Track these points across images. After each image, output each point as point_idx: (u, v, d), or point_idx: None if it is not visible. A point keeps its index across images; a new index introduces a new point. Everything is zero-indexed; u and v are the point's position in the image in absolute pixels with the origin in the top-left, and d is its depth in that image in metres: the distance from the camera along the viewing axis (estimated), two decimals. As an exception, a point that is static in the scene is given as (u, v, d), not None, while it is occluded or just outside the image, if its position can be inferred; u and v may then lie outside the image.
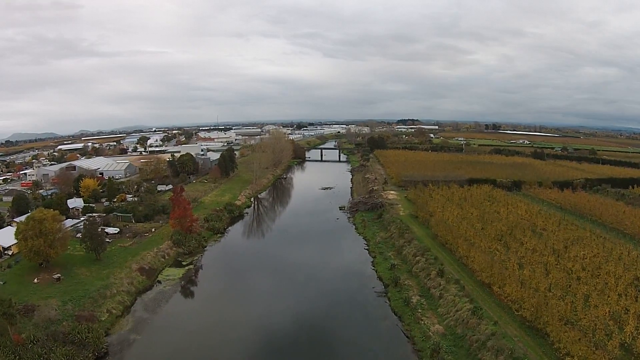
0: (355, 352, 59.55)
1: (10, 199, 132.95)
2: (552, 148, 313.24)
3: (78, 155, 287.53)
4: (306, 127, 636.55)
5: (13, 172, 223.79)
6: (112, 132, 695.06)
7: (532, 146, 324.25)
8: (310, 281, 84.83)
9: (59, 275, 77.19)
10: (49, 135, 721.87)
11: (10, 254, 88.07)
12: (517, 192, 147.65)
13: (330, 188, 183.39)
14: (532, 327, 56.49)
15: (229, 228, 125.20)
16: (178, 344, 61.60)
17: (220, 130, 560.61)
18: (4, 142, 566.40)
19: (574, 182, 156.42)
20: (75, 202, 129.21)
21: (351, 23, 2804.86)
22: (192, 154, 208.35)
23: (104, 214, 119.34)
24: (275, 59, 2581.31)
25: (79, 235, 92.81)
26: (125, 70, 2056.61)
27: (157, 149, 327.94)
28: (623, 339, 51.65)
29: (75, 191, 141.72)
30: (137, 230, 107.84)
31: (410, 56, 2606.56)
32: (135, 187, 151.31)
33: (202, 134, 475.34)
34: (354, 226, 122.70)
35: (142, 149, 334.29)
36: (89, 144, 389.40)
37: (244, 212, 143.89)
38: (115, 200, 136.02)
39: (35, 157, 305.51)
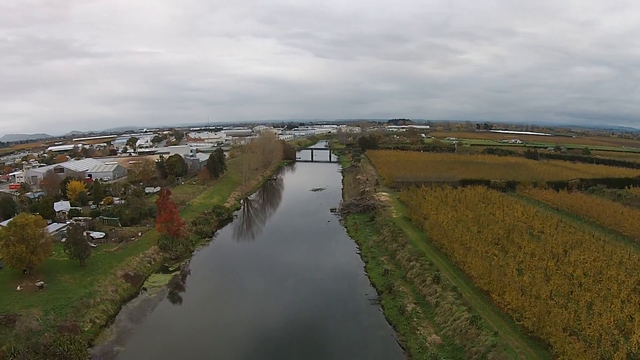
0: (349, 366, 56.40)
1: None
2: (545, 148, 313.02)
3: (67, 156, 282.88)
4: (297, 127, 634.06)
5: (2, 174, 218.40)
6: (103, 133, 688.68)
7: (524, 146, 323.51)
8: (301, 288, 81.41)
9: (42, 282, 74.08)
10: (40, 136, 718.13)
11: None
12: (511, 193, 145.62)
13: (321, 189, 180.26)
14: (534, 338, 53.70)
15: (218, 231, 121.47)
16: (163, 356, 58.84)
17: (211, 130, 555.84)
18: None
19: (569, 183, 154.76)
20: (62, 205, 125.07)
21: (342, 23, 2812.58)
22: (181, 155, 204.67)
23: (90, 218, 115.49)
24: (266, 59, 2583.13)
25: (64, 239, 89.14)
26: (117, 70, 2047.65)
27: (147, 150, 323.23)
28: (629, 348, 49.08)
29: (62, 194, 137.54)
30: (124, 235, 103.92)
31: (402, 56, 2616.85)
32: (123, 189, 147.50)
33: (192, 135, 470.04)
34: (345, 229, 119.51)
35: (132, 150, 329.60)
36: (80, 145, 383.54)
37: (233, 214, 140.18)
38: (102, 203, 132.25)
39: (25, 158, 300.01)
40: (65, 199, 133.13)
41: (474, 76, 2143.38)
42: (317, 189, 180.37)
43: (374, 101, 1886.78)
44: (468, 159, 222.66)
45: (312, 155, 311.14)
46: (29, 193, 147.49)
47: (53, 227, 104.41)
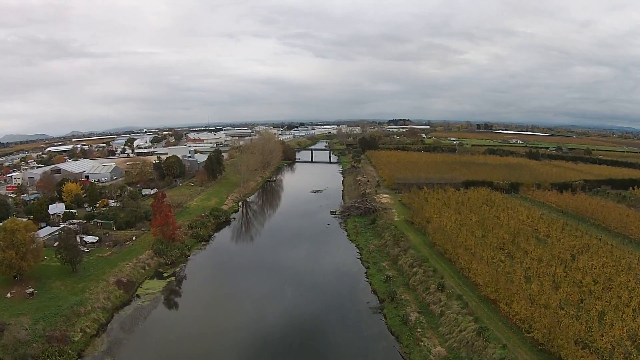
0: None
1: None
2: (547, 148, 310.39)
3: (66, 157, 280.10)
4: (297, 127, 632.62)
5: (0, 175, 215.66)
6: (103, 134, 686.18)
7: (526, 146, 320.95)
8: (299, 295, 78.52)
9: (32, 289, 71.78)
10: (40, 136, 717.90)
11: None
12: (514, 195, 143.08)
13: (321, 191, 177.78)
14: (544, 351, 51.00)
15: (215, 235, 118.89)
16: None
17: (211, 131, 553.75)
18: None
19: (572, 184, 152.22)
20: (57, 208, 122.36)
21: (342, 23, 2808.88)
22: (179, 156, 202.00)
23: (84, 221, 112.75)
24: (265, 59, 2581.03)
25: (57, 243, 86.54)
26: (117, 71, 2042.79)
27: (145, 150, 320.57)
28: (644, 362, 46.35)
29: (58, 196, 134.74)
30: (118, 239, 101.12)
31: (401, 56, 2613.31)
32: (118, 191, 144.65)
33: (191, 135, 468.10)
34: (345, 232, 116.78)
35: (130, 151, 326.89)
36: (78, 145, 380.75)
37: (231, 217, 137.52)
38: (97, 205, 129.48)
39: (23, 159, 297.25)
40: (61, 201, 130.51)
41: (473, 76, 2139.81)
42: (317, 191, 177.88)
43: (373, 101, 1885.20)
44: (470, 160, 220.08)
45: (311, 156, 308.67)
46: (25, 195, 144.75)
47: (46, 231, 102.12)
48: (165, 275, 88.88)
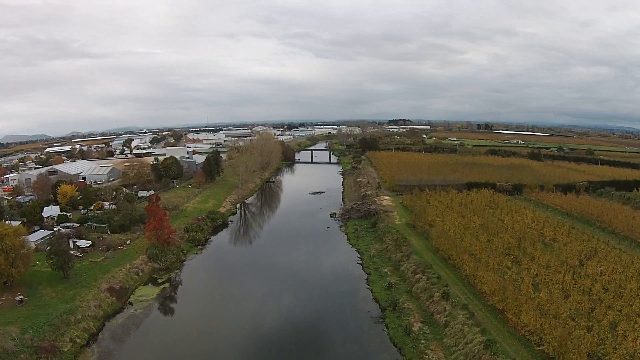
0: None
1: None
2: (548, 148, 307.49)
3: (64, 158, 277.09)
4: (297, 127, 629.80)
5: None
6: (103, 134, 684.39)
7: (527, 146, 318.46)
8: (298, 304, 75.57)
9: (22, 296, 69.64)
10: (40, 137, 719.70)
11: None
12: (518, 197, 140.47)
13: (321, 192, 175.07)
14: (556, 366, 48.23)
15: (212, 238, 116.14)
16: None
17: (210, 131, 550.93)
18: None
19: (576, 185, 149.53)
20: (52, 210, 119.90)
21: (342, 23, 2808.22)
22: (177, 156, 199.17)
23: (78, 224, 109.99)
24: (265, 60, 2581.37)
25: (49, 248, 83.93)
26: (117, 71, 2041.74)
27: (144, 151, 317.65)
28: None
29: (53, 198, 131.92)
30: (112, 243, 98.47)
31: (401, 56, 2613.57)
32: (114, 193, 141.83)
33: (190, 136, 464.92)
34: (345, 236, 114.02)
35: (128, 152, 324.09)
36: (77, 146, 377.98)
37: (228, 220, 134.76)
38: (91, 208, 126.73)
39: (22, 159, 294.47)
40: (56, 203, 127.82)
41: (474, 76, 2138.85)
42: (317, 192, 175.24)
43: (374, 101, 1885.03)
44: (471, 160, 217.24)
45: (311, 157, 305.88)
46: (20, 197, 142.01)
47: (39, 235, 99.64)
48: (159, 281, 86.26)
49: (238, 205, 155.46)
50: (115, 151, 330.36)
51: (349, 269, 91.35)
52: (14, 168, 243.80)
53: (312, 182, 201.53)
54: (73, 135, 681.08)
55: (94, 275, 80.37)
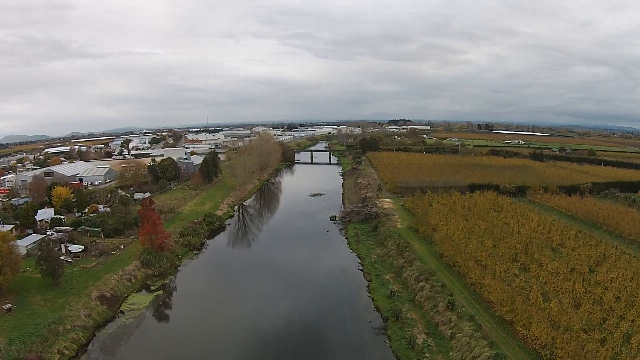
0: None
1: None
2: (549, 149, 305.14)
3: (62, 159, 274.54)
4: (297, 128, 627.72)
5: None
6: (103, 134, 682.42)
7: (528, 147, 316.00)
8: (296, 313, 72.16)
9: (10, 305, 67.06)
10: (40, 137, 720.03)
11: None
12: (522, 199, 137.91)
13: (320, 194, 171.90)
14: (570, 383, 45.25)
15: (208, 242, 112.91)
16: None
17: (210, 132, 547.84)
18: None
19: (581, 187, 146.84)
20: (46, 213, 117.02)
21: (342, 23, 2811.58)
22: (174, 158, 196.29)
23: (71, 228, 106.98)
24: (266, 60, 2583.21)
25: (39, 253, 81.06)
26: (116, 71, 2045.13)
27: (143, 152, 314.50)
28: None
29: (48, 200, 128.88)
30: (105, 248, 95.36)
31: (402, 56, 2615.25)
32: (108, 196, 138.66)
33: (190, 136, 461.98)
34: (346, 240, 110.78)
35: (127, 152, 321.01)
36: (76, 146, 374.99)
37: (225, 223, 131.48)
38: (86, 211, 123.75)
39: (20, 160, 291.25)
40: (51, 206, 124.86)
41: (473, 76, 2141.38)
42: (316, 194, 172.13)
43: (374, 101, 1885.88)
44: (473, 161, 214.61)
45: (311, 157, 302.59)
46: (15, 199, 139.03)
47: (32, 239, 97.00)
48: (152, 288, 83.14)
49: (236, 208, 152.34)
50: (114, 152, 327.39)
51: (349, 276, 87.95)
52: (11, 169, 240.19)
53: (312, 183, 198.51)
54: (73, 136, 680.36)
55: (84, 282, 77.62)
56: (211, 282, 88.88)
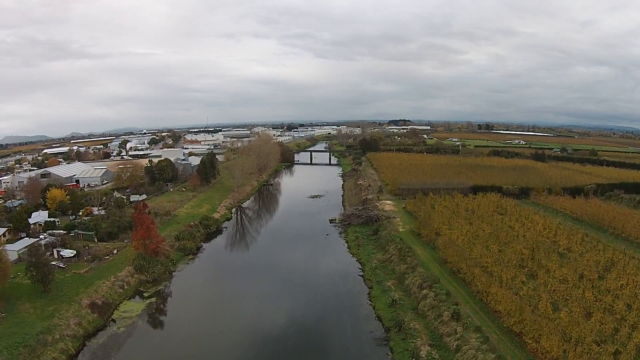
0: None
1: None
2: (551, 149, 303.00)
3: (60, 159, 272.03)
4: (296, 128, 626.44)
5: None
6: (103, 135, 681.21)
7: (530, 147, 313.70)
8: (293, 323, 69.17)
9: (-1, 312, 64.25)
10: (40, 137, 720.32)
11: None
12: (525, 201, 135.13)
13: (320, 196, 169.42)
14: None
15: (204, 246, 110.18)
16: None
17: (209, 132, 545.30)
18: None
19: (585, 188, 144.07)
20: (40, 216, 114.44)
21: (342, 23, 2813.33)
22: (172, 159, 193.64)
23: (64, 232, 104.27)
24: (265, 60, 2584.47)
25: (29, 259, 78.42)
26: (116, 72, 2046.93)
27: (140, 152, 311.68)
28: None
29: (43, 202, 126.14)
30: (98, 252, 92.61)
31: (401, 56, 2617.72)
32: (103, 198, 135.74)
33: (189, 137, 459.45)
34: (346, 244, 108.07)
35: (124, 153, 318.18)
36: (75, 147, 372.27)
37: (223, 226, 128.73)
38: (80, 214, 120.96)
39: (18, 161, 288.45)
40: (46, 208, 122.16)
41: (474, 76, 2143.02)
42: (316, 196, 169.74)
43: (374, 102, 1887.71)
44: (475, 162, 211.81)
45: (311, 158, 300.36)
46: (10, 201, 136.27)
47: (24, 243, 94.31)
48: (146, 295, 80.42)
49: (233, 210, 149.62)
50: (112, 152, 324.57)
51: (349, 283, 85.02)
52: (9, 170, 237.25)
53: (311, 184, 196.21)
54: (73, 136, 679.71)
55: (76, 288, 75.16)
56: (206, 288, 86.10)
